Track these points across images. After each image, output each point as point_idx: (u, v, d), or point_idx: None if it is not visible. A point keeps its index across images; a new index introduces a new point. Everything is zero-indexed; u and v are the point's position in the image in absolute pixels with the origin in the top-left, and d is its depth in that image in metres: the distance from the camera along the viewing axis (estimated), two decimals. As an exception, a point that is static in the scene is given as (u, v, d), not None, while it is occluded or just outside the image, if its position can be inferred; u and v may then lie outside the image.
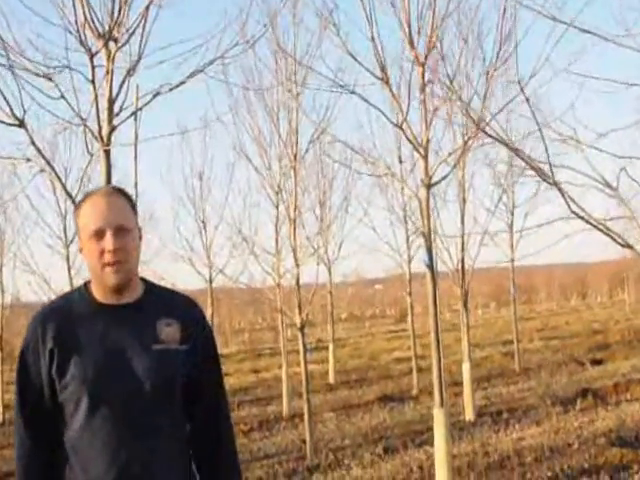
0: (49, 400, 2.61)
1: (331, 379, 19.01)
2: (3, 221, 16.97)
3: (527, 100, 5.07)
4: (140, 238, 2.70)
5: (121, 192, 2.70)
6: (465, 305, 12.82)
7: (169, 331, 2.65)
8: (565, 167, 4.93)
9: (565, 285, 68.79)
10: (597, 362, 17.94)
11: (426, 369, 18.37)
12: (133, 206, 2.73)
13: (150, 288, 2.76)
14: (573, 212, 4.76)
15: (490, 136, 5.76)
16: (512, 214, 17.86)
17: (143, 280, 2.77)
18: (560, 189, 4.75)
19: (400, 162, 15.34)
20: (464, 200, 13.31)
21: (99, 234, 2.55)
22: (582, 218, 4.71)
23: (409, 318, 18.95)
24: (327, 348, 22.20)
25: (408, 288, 17.71)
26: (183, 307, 2.80)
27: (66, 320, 2.60)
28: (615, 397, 12.97)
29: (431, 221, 7.48)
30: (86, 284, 2.72)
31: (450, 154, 8.00)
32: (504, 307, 55.81)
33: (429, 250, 7.19)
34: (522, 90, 5.13)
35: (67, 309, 2.65)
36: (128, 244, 2.59)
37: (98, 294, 2.65)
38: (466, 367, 12.58)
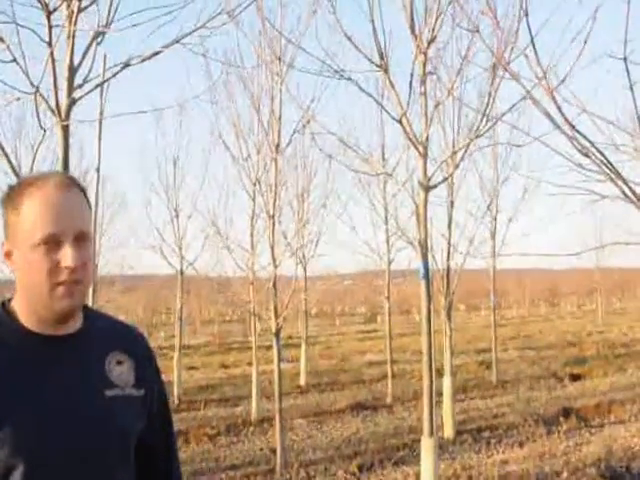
0: None
1: (302, 381, 18.13)
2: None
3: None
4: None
5: (77, 183, 1.90)
6: (449, 315, 11.95)
7: (121, 371, 1.94)
8: None
9: (534, 291, 68.47)
10: (575, 377, 17.22)
11: (399, 375, 17.75)
12: (89, 203, 1.92)
13: (91, 314, 1.99)
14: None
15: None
16: (495, 220, 17.03)
17: None
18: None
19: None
20: (452, 204, 12.47)
21: (53, 242, 1.77)
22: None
23: (385, 319, 18.20)
24: (298, 346, 21.39)
25: (386, 292, 16.87)
26: (132, 340, 2.06)
27: None
28: (598, 419, 12.22)
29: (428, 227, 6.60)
30: (4, 304, 1.90)
31: (454, 152, 7.13)
32: (474, 311, 55.40)
33: (425, 260, 6.30)
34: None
35: None
36: (89, 258, 1.84)
37: (30, 320, 1.85)
38: (447, 382, 11.69)
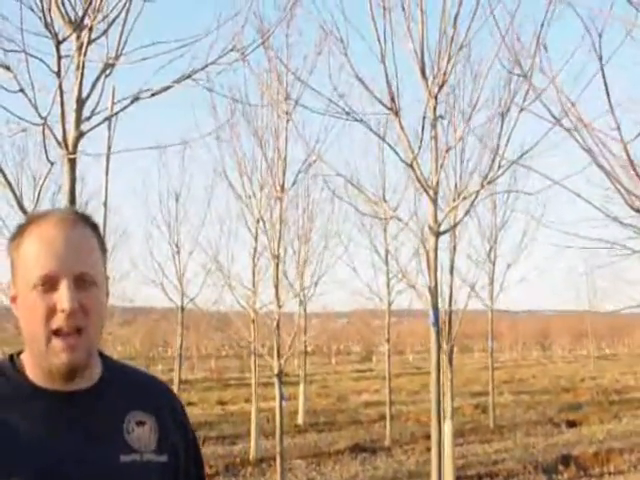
0: None
1: (300, 420, 17.66)
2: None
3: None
4: (107, 294, 1.64)
5: (86, 220, 1.64)
6: (450, 359, 11.53)
7: (142, 433, 1.63)
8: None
9: (526, 334, 67.77)
10: (571, 424, 16.77)
11: (396, 416, 17.27)
12: (102, 244, 1.66)
13: (110, 366, 1.71)
14: None
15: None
16: (493, 265, 16.69)
17: (99, 354, 1.69)
18: None
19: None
20: (454, 249, 12.15)
21: (49, 283, 1.52)
22: None
23: (380, 359, 17.78)
24: (294, 384, 20.97)
25: (383, 334, 16.50)
26: (156, 396, 1.75)
27: None
28: (598, 468, 11.78)
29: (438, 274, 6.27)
30: (13, 357, 1.65)
31: (464, 197, 6.84)
32: (467, 353, 54.73)
33: (435, 308, 5.97)
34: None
35: None
36: (92, 303, 1.55)
37: (35, 374, 1.59)
38: (448, 426, 11.24)
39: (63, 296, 1.50)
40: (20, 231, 1.59)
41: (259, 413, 14.13)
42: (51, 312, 1.50)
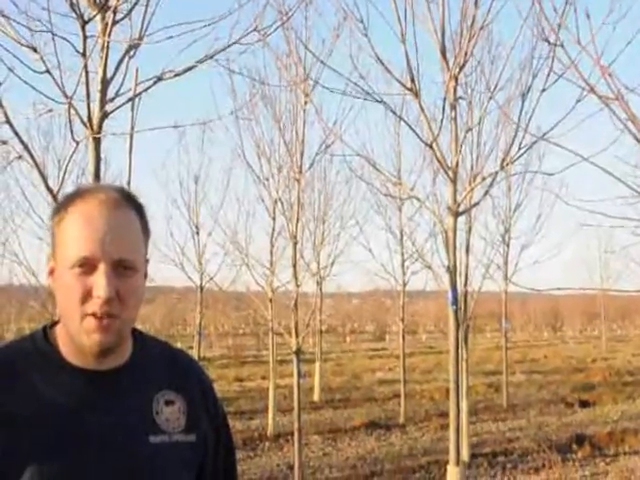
0: None
1: (316, 397, 17.74)
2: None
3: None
4: (145, 276, 1.58)
5: (131, 201, 1.56)
6: (465, 339, 11.50)
7: (170, 413, 1.59)
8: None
9: (537, 315, 67.56)
10: (584, 403, 16.69)
11: (410, 395, 17.29)
12: (145, 225, 1.58)
13: (141, 342, 1.65)
14: None
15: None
16: (508, 246, 16.56)
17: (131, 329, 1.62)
18: None
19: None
20: (470, 229, 12.09)
21: (87, 266, 1.46)
22: None
23: (393, 338, 17.79)
24: (310, 361, 21.02)
25: (396, 313, 16.46)
26: (185, 373, 1.70)
27: (12, 386, 1.48)
28: (612, 447, 11.72)
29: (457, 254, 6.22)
30: (46, 330, 1.59)
31: (484, 178, 6.76)
32: (479, 333, 54.66)
33: (454, 288, 5.92)
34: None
35: (13, 368, 1.51)
36: (129, 290, 1.49)
37: (69, 351, 1.54)
38: (463, 404, 11.20)
39: (100, 282, 1.45)
40: (64, 205, 1.52)
41: (276, 389, 14.20)
42: (87, 295, 1.46)
